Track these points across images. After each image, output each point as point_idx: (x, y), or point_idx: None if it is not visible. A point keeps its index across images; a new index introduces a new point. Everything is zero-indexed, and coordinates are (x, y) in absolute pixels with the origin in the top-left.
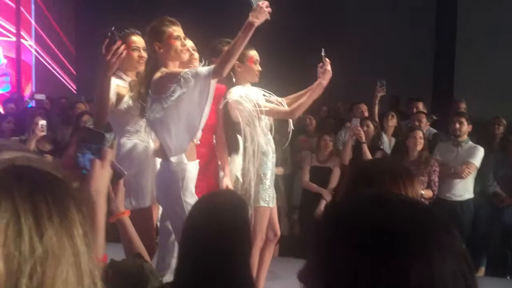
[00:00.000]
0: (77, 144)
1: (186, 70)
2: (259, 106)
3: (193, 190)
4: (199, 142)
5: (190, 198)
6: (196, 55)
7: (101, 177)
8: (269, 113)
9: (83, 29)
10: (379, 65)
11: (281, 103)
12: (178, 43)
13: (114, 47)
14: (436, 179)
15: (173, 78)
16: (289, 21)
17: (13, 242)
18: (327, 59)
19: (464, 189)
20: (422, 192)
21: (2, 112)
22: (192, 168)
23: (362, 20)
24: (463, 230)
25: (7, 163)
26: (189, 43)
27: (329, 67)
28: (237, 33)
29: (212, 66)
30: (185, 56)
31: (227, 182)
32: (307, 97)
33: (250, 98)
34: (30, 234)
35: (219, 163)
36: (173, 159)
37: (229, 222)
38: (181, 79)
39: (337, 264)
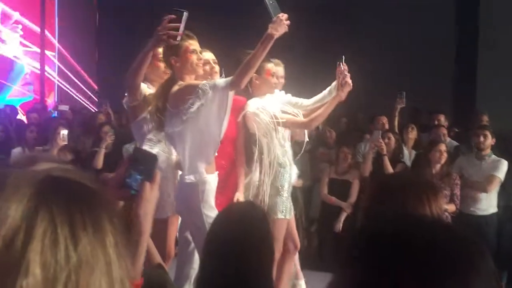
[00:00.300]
0: (128, 164)
1: (204, 82)
2: (276, 118)
3: (213, 203)
4: (216, 154)
5: (210, 210)
6: (217, 67)
7: (150, 199)
8: (286, 124)
9: (105, 40)
10: (399, 76)
11: (297, 114)
12: (194, 57)
13: (170, 26)
14: (458, 193)
15: (191, 90)
16: (308, 32)
17: (50, 251)
18: (346, 73)
19: (488, 204)
20: (446, 206)
21: (26, 121)
22: (211, 181)
23: (382, 31)
24: (487, 245)
25: (45, 174)
26: (210, 56)
27: (349, 80)
28: (256, 44)
29: (230, 78)
30: (201, 70)
31: (238, 197)
32: (324, 108)
33: (267, 110)
34: (65, 243)
35: None
36: (191, 172)
37: (250, 234)
38: (199, 91)
39: (367, 284)
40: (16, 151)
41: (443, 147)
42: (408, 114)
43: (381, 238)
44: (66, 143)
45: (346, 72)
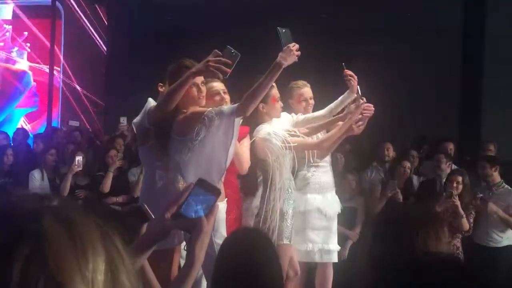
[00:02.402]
0: (188, 193)
1: (210, 109)
2: (288, 142)
3: (224, 232)
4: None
5: (220, 239)
6: (227, 97)
7: (207, 232)
8: (297, 147)
9: (114, 61)
10: (405, 104)
11: (303, 136)
12: (194, 90)
13: (224, 61)
14: (472, 220)
15: (197, 118)
16: (313, 59)
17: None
18: (363, 98)
19: (505, 235)
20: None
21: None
22: (222, 209)
23: (385, 58)
24: (503, 277)
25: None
26: (220, 86)
27: (367, 108)
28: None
29: (236, 104)
30: (203, 102)
31: None
32: (336, 130)
33: (279, 134)
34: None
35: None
36: None
37: (256, 259)
38: (206, 118)
39: None
40: (35, 172)
41: (458, 178)
42: (414, 141)
43: None
44: (80, 169)
45: (350, 76)
